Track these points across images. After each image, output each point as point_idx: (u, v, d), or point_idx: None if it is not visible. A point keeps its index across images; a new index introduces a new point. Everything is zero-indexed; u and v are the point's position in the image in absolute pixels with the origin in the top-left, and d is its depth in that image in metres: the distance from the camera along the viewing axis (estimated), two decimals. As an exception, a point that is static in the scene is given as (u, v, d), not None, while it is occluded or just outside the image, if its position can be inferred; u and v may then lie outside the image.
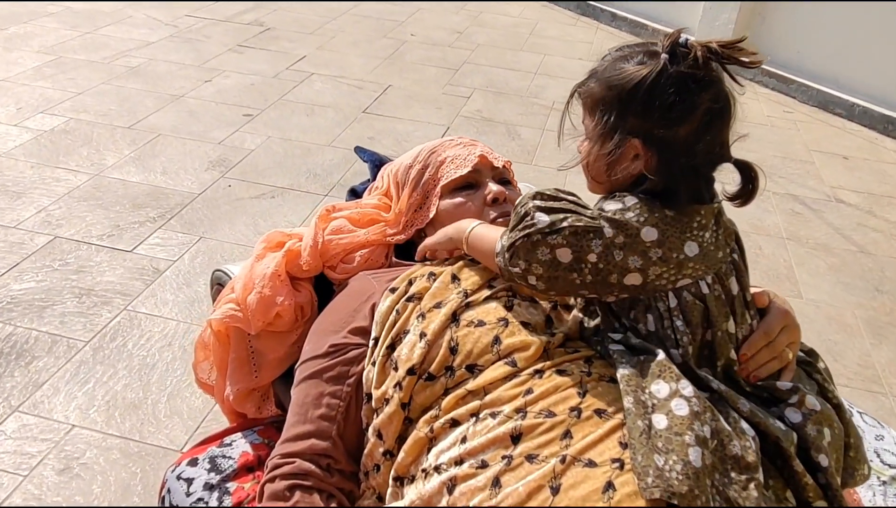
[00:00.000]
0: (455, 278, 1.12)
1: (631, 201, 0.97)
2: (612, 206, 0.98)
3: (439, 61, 4.81)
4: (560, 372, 0.99)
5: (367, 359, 1.11)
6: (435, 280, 1.12)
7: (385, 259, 1.30)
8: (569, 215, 0.96)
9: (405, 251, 1.34)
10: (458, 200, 1.28)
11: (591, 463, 0.88)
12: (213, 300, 1.42)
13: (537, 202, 0.98)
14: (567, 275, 0.97)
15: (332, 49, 4.85)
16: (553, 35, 5.62)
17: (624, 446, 0.90)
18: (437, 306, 1.08)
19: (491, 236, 1.07)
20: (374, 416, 1.07)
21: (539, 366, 1.00)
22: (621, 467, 0.87)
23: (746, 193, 1.02)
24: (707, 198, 1.00)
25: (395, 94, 4.22)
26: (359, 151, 1.48)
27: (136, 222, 2.79)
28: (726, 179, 1.04)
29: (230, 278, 1.38)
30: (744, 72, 4.56)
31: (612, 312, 1.03)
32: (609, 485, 0.85)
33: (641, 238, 0.94)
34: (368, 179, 1.47)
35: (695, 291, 0.98)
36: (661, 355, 0.95)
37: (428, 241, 1.21)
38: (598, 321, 1.06)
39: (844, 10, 4.36)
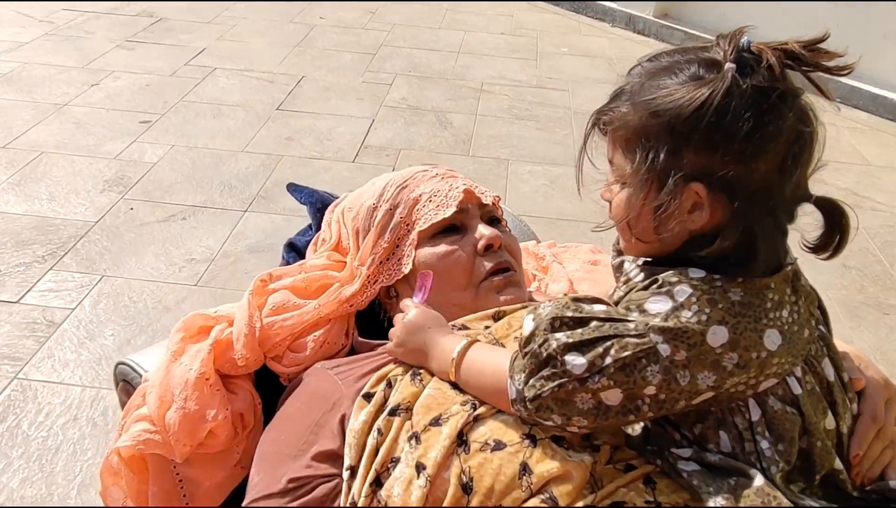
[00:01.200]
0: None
1: (682, 291, 0.71)
2: (658, 307, 0.71)
3: (354, 46, 4.45)
4: (616, 507, 0.73)
5: (342, 497, 0.81)
6: (425, 384, 0.83)
7: (346, 338, 1.00)
8: (609, 343, 0.69)
9: (370, 322, 1.04)
10: (443, 248, 0.99)
11: None
12: (121, 405, 1.09)
13: (562, 338, 0.71)
14: (621, 418, 0.72)
15: (235, 39, 4.41)
16: (469, 10, 5.32)
17: None
18: (436, 422, 0.79)
19: (494, 368, 0.79)
20: (362, 580, 0.78)
21: (588, 500, 0.73)
22: None
23: (833, 240, 0.77)
24: (783, 260, 0.75)
25: (310, 86, 3.85)
26: (293, 190, 1.17)
27: (20, 264, 2.36)
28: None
29: (140, 377, 1.05)
30: (670, 36, 4.31)
31: (668, 421, 0.77)
32: None
33: (709, 345, 0.69)
34: (309, 227, 1.15)
35: (783, 393, 0.73)
36: (759, 478, 0.70)
37: (393, 348, 0.90)
38: (644, 425, 0.80)
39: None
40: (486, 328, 0.91)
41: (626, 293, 0.76)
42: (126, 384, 1.09)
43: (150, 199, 2.77)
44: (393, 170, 3.10)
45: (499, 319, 0.93)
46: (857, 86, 3.82)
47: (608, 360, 0.69)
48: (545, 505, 0.73)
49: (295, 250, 1.11)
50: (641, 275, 0.77)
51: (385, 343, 0.96)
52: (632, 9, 4.89)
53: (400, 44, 4.53)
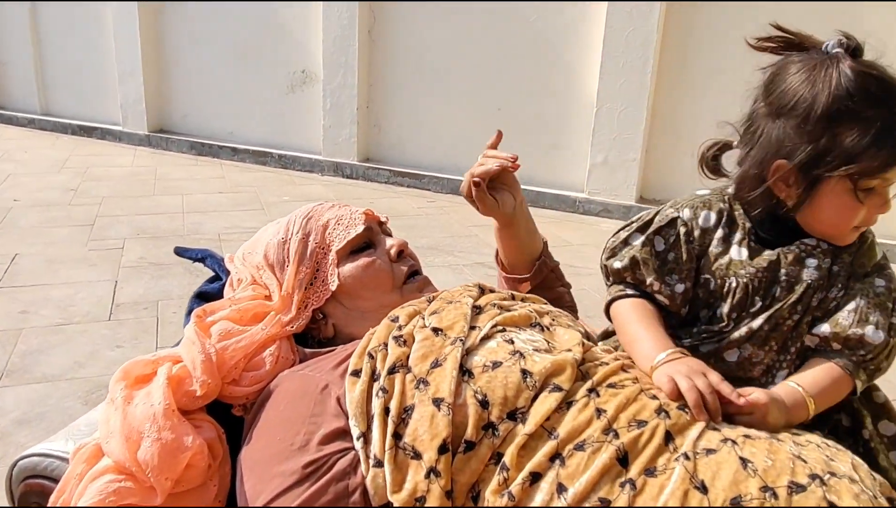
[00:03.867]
0: (436, 331, 0.93)
1: None
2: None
3: (66, 221, 4.19)
4: (611, 386, 0.88)
5: (363, 465, 0.84)
6: (408, 343, 0.92)
7: (293, 354, 1.03)
8: None
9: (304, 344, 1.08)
10: (364, 261, 1.10)
11: (711, 451, 0.79)
12: None
13: None
14: None
15: (-85, 230, 3.88)
16: (180, 176, 5.36)
17: (714, 429, 0.84)
18: (435, 365, 0.88)
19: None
20: (407, 528, 0.81)
21: (589, 385, 0.88)
22: (735, 443, 0.80)
23: None
24: None
25: (28, 262, 3.52)
26: (182, 252, 1.17)
27: None
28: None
29: (58, 461, 0.94)
30: (376, 176, 4.87)
31: None
32: (743, 460, 0.78)
33: None
34: (214, 277, 1.16)
35: None
36: None
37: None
38: None
39: (441, 114, 5.04)
40: (430, 301, 1.03)
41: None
42: (35, 480, 0.96)
43: None
44: (157, 321, 2.97)
45: (431, 301, 1.05)
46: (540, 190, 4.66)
47: None
48: (555, 392, 0.85)
49: (206, 299, 1.11)
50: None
51: (334, 350, 1.02)
52: (337, 157, 5.37)
53: (117, 213, 4.38)
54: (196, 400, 0.92)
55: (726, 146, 1.06)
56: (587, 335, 1.08)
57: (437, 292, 1.12)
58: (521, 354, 0.90)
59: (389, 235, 1.19)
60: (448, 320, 0.95)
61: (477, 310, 1.00)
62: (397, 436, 0.84)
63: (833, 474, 0.78)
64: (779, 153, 0.94)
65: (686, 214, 1.04)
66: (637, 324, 1.01)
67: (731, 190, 1.05)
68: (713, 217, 1.03)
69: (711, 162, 1.08)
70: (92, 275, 3.40)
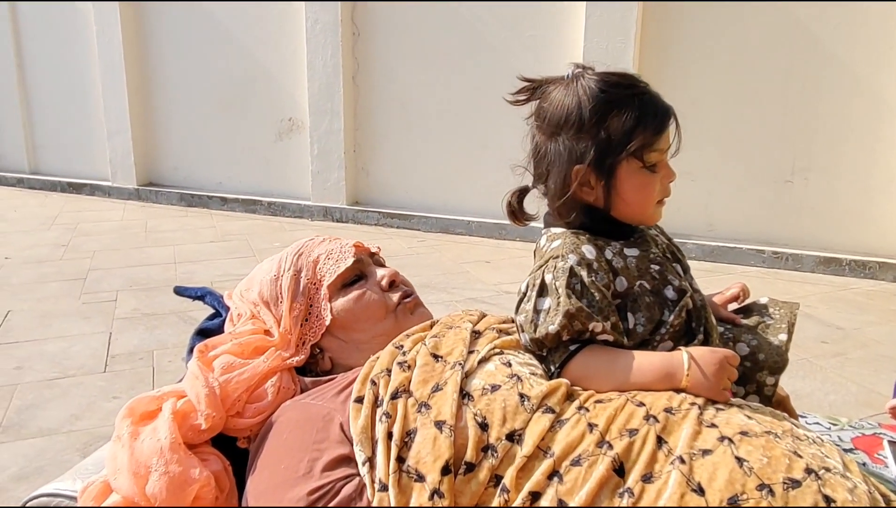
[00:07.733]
0: (436, 356, 0.96)
1: None
2: None
3: (57, 276, 4.20)
4: (599, 402, 0.91)
5: (368, 489, 0.86)
6: (411, 368, 0.95)
7: (295, 384, 1.05)
8: None
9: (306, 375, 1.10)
10: (355, 293, 1.13)
11: (707, 452, 0.81)
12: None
13: None
14: None
15: None
16: (170, 228, 5.39)
17: (712, 426, 0.86)
18: (436, 389, 0.91)
19: None
20: (413, 550, 0.83)
21: (577, 403, 0.90)
22: (731, 441, 0.82)
23: None
24: None
25: (21, 318, 3.52)
26: (182, 291, 1.19)
27: None
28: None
29: (69, 499, 0.95)
30: (366, 218, 4.89)
31: None
32: (739, 460, 0.80)
33: None
34: (214, 314, 1.19)
35: None
36: None
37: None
38: None
39: (427, 154, 5.13)
40: (433, 327, 1.05)
41: None
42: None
43: None
44: (153, 370, 2.97)
45: (433, 327, 1.08)
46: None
47: None
48: (547, 414, 0.88)
49: (206, 335, 1.13)
50: None
51: (335, 378, 1.04)
52: (326, 202, 5.42)
53: (109, 266, 4.40)
54: (201, 434, 0.94)
55: (525, 191, 1.12)
56: None
57: (429, 313, 1.16)
58: (519, 377, 0.92)
59: (382, 265, 1.22)
60: (447, 345, 0.97)
61: (476, 334, 1.03)
62: (401, 459, 0.86)
63: (827, 469, 0.80)
64: (571, 162, 1.03)
65: (573, 258, 1.00)
66: (619, 359, 0.96)
67: (557, 229, 1.07)
68: (593, 249, 1.02)
69: (518, 208, 1.12)
70: (86, 328, 3.40)
